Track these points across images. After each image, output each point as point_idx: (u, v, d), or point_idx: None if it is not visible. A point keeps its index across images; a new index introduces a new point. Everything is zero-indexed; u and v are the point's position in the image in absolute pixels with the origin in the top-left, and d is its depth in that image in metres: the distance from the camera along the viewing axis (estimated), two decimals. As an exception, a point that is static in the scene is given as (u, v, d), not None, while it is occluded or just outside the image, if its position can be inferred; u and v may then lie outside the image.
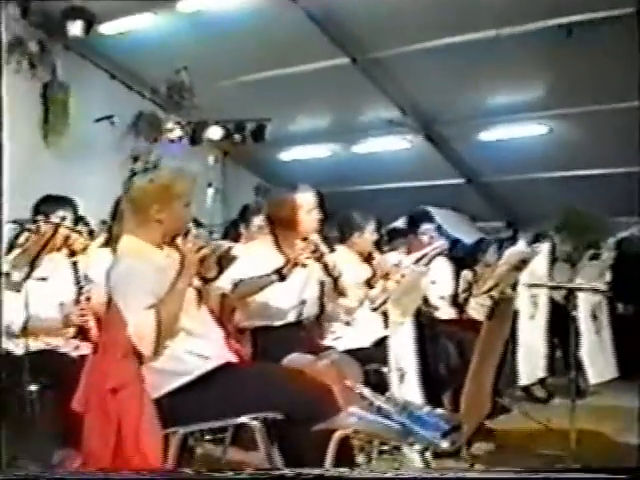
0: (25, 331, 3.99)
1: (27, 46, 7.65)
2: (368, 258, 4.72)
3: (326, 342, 4.41)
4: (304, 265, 3.92)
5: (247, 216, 5.56)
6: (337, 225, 4.91)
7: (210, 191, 9.46)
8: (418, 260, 4.76)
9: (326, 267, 4.04)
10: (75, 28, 7.60)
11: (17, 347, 4.06)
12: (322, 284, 4.21)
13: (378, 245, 4.90)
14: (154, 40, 8.56)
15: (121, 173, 7.66)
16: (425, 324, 4.41)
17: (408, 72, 8.92)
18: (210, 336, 3.24)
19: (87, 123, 8.15)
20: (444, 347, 4.77)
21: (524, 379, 5.16)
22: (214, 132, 9.57)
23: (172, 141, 9.31)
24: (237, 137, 9.62)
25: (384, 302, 3.99)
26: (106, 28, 8.45)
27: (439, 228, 5.65)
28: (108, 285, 3.12)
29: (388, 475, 2.94)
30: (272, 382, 3.11)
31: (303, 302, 4.17)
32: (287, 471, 2.78)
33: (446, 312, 5.62)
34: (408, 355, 3.83)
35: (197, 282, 3.28)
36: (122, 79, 9.14)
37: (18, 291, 3.76)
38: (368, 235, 4.84)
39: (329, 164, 10.76)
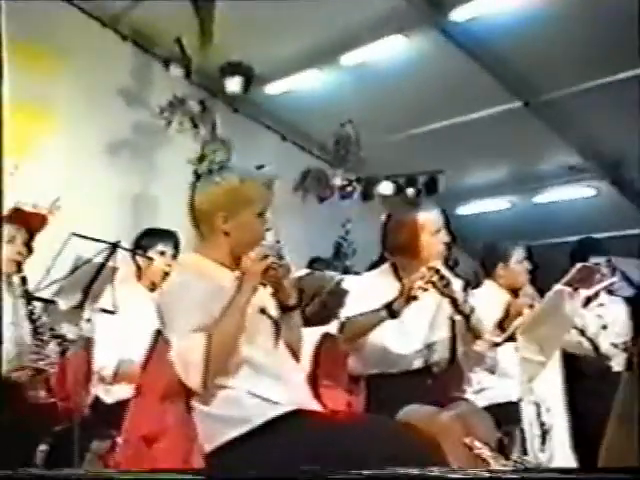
0: (117, 376, 3.38)
1: (189, 105, 7.31)
2: (515, 294, 3.76)
3: (466, 394, 3.47)
4: (414, 297, 3.03)
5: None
6: (479, 255, 4.00)
7: (384, 248, 8.72)
8: (588, 301, 3.76)
9: (454, 302, 3.15)
10: (233, 84, 7.21)
11: (108, 394, 3.44)
12: (453, 323, 3.30)
13: (532, 278, 3.91)
14: (318, 95, 8.13)
15: (288, 232, 7.11)
16: (593, 376, 3.40)
17: (586, 112, 7.87)
18: (286, 377, 2.47)
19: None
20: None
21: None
22: (385, 187, 8.85)
23: (343, 197, 8.66)
24: (409, 192, 8.82)
25: (512, 336, 3.02)
26: (271, 88, 8.11)
27: (610, 262, 4.52)
28: (156, 305, 2.44)
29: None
30: (356, 436, 2.27)
31: (430, 345, 3.29)
32: None
33: (621, 363, 4.47)
34: (555, 407, 2.84)
35: (274, 311, 2.53)
36: (285, 135, 8.70)
37: (70, 322, 3.15)
38: (515, 265, 3.90)
39: (509, 217, 9.76)
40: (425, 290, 3.01)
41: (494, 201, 9.97)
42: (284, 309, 2.56)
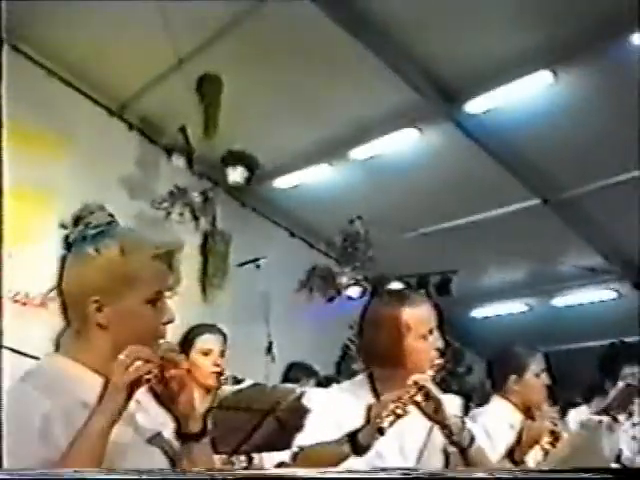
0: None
1: (190, 196, 6.55)
2: (529, 413, 2.79)
3: None
4: (381, 430, 2.04)
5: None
6: (486, 365, 3.03)
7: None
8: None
9: (447, 429, 2.17)
10: (235, 174, 6.43)
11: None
12: (447, 455, 2.29)
13: (551, 394, 2.94)
14: (328, 190, 7.39)
15: (292, 335, 6.08)
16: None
17: (607, 211, 6.98)
18: None
19: (250, 275, 6.35)
20: None
21: None
22: (396, 287, 7.92)
23: (350, 298, 7.76)
24: (420, 292, 7.90)
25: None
26: (279, 182, 7.46)
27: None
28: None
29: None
30: None
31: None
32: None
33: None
34: None
35: (173, 439, 1.60)
36: (293, 230, 7.87)
37: None
38: (532, 378, 2.93)
39: (526, 320, 8.79)
40: (398, 417, 2.03)
41: (510, 303, 9.03)
42: (184, 437, 1.62)
